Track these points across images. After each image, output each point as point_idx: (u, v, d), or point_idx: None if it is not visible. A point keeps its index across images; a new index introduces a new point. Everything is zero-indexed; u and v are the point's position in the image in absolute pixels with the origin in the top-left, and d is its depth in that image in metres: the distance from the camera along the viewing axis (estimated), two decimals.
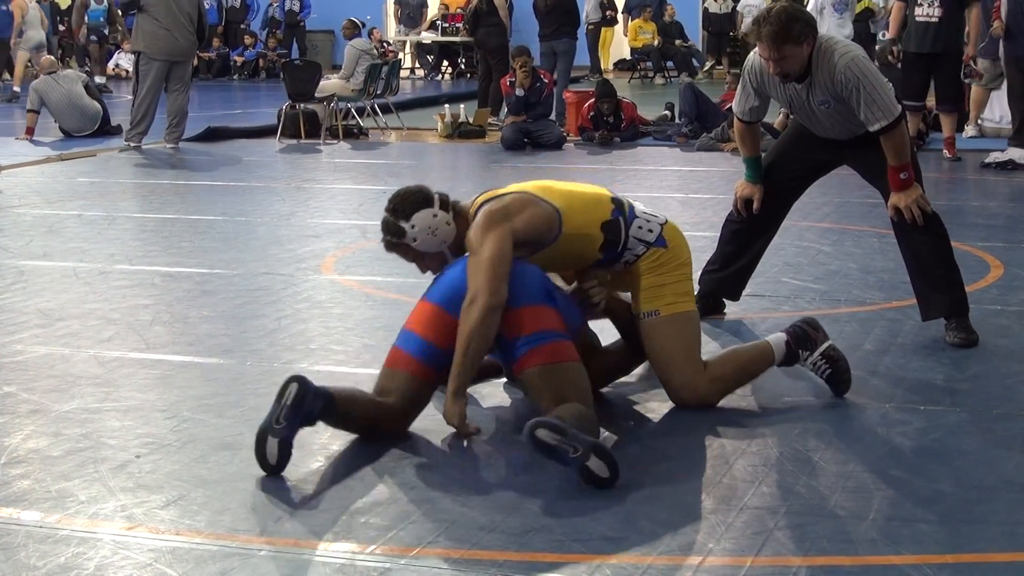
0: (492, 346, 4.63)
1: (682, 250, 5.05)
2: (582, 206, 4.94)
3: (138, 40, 14.12)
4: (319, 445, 4.60)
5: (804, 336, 5.07)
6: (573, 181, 5.32)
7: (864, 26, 24.92)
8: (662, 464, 4.39)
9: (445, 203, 4.88)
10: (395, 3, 27.81)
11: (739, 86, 6.10)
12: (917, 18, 12.37)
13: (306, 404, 4.31)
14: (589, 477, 4.13)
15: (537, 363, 4.53)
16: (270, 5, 28.10)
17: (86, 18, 24.41)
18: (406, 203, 4.85)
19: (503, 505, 4.04)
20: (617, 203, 4.98)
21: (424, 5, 27.71)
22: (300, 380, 4.33)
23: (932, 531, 3.82)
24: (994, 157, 12.18)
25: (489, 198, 4.89)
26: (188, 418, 4.92)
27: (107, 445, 4.62)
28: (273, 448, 4.27)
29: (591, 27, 25.67)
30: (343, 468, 4.40)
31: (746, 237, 6.40)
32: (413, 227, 4.80)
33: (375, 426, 4.63)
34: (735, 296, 6.53)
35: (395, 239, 4.85)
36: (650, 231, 4.97)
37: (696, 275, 5.56)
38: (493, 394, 5.20)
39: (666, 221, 5.06)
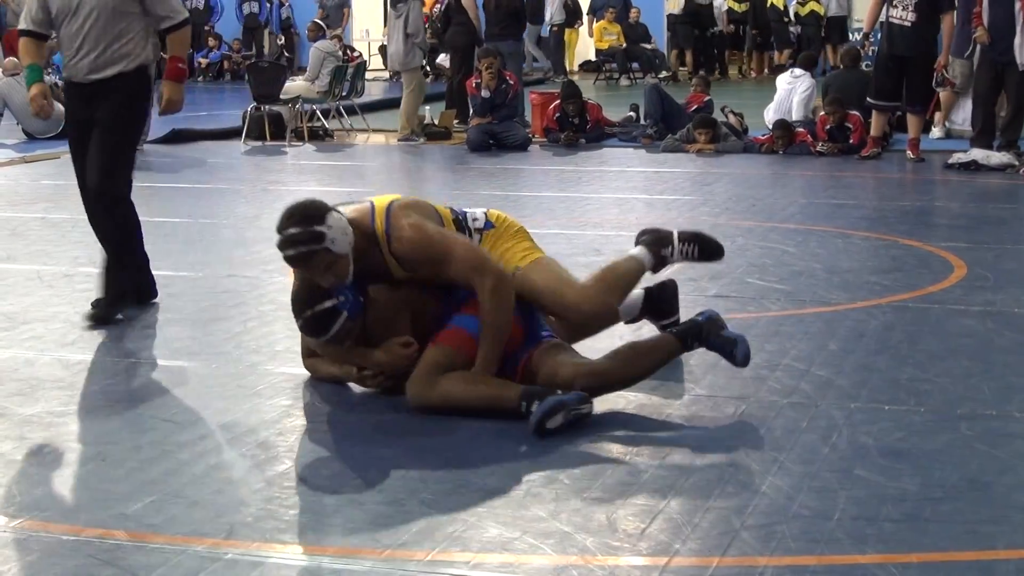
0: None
1: (510, 223, 5.41)
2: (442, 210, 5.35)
3: None
4: (285, 447, 4.60)
5: (658, 238, 5.56)
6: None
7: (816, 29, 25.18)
8: (627, 465, 4.40)
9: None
10: (319, 7, 27.64)
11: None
12: (891, 20, 12.44)
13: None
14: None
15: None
16: (281, 5, 27.95)
17: None
18: (312, 210, 4.89)
19: (468, 507, 4.04)
20: (453, 211, 5.35)
21: (345, 6, 27.50)
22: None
23: (897, 530, 3.84)
24: (957, 158, 12.25)
25: (402, 205, 5.10)
26: (153, 421, 4.89)
27: (71, 449, 4.60)
28: (558, 420, 4.69)
29: (555, 28, 25.66)
30: (309, 471, 4.39)
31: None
32: (330, 228, 4.83)
33: None
34: None
35: (314, 246, 4.81)
36: (475, 219, 5.33)
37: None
38: None
39: (487, 209, 5.44)
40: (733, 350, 5.14)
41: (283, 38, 27.53)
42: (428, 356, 4.95)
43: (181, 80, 6.65)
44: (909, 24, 12.33)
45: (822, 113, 13.75)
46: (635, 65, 25.36)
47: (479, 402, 4.85)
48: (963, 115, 14.01)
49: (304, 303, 4.99)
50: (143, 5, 6.46)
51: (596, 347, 5.37)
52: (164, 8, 6.51)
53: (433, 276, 5.04)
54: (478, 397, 4.85)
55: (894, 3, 12.40)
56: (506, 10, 16.22)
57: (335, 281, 4.91)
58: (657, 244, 5.56)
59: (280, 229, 4.88)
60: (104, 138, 6.43)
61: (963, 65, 13.45)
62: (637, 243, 5.62)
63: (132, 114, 6.58)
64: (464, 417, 4.88)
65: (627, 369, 5.06)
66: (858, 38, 19.21)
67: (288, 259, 4.90)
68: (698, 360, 5.43)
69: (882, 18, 12.69)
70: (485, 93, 14.30)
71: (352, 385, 5.24)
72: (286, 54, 26.65)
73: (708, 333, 5.16)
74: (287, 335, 6.21)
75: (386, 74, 27.42)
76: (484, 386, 4.87)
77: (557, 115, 14.66)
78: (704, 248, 5.65)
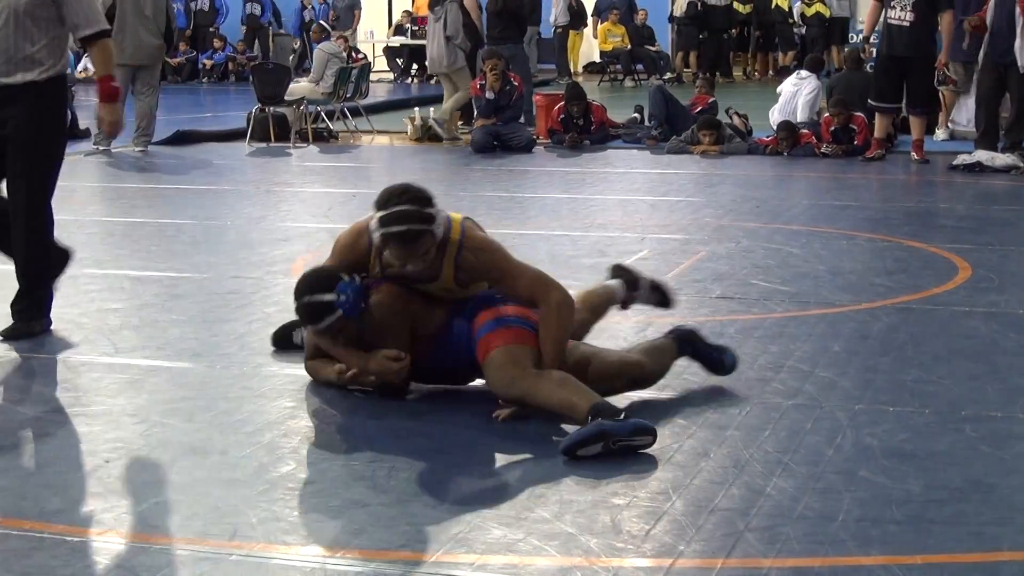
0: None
1: None
2: None
3: None
4: (289, 449, 4.60)
5: (633, 279, 5.70)
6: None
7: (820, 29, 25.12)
8: (631, 467, 4.39)
9: None
10: (330, 7, 27.62)
11: None
12: (890, 21, 12.46)
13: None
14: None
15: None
16: (304, 8, 28.00)
17: None
18: (424, 193, 4.94)
19: (472, 509, 4.03)
20: None
21: (356, 7, 27.49)
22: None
23: (901, 532, 3.84)
24: (961, 159, 12.25)
25: (474, 223, 5.16)
26: (157, 422, 4.90)
27: (75, 450, 4.60)
28: (594, 450, 4.49)
29: (559, 30, 25.68)
30: (314, 472, 4.39)
31: None
32: (439, 212, 4.91)
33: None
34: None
35: (425, 226, 4.84)
36: None
37: None
38: (466, 403, 5.21)
39: None
40: (722, 356, 5.40)
41: (299, 41, 27.48)
42: (511, 353, 4.89)
43: (115, 100, 6.28)
44: (908, 24, 12.35)
45: (827, 115, 13.75)
46: (639, 66, 25.38)
47: (554, 405, 4.77)
48: (967, 116, 14.02)
49: (306, 288, 5.05)
50: (59, 11, 6.02)
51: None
52: (80, 16, 6.03)
53: (471, 289, 5.10)
54: (554, 400, 4.76)
55: (892, 4, 12.42)
56: (505, 13, 16.21)
57: (423, 268, 4.94)
58: (632, 285, 5.71)
59: (388, 204, 4.85)
60: (23, 166, 6.01)
61: (962, 67, 13.46)
62: (613, 277, 5.74)
63: (50, 132, 6.12)
64: (467, 419, 4.89)
65: (656, 365, 5.23)
66: (858, 40, 19.16)
67: (395, 235, 4.82)
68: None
69: (882, 19, 12.71)
70: (489, 95, 14.30)
71: (353, 388, 5.23)
72: (292, 53, 26.62)
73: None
74: None
75: (390, 75, 27.52)
76: (565, 391, 4.75)
77: (561, 116, 14.67)
78: (663, 299, 5.86)
